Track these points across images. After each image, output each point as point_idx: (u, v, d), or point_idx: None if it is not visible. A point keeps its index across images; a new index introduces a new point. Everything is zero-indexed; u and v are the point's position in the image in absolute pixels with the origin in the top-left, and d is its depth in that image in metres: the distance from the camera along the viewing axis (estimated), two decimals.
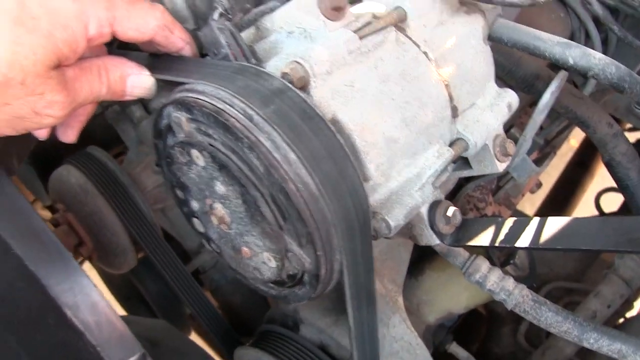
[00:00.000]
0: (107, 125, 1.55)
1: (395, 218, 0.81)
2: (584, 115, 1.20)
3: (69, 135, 0.86)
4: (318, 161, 0.69)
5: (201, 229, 0.90)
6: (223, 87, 0.71)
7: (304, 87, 0.75)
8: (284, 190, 0.68)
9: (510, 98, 1.00)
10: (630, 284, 1.46)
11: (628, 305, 1.57)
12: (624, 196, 1.28)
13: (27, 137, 0.79)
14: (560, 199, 2.47)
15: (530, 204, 2.56)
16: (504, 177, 1.49)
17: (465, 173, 1.03)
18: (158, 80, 0.83)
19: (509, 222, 0.84)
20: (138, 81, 0.81)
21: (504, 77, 1.15)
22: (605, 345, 0.95)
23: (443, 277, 1.25)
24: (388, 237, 0.82)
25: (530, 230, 0.80)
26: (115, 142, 1.60)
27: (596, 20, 1.39)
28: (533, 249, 0.77)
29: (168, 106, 0.77)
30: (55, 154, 1.55)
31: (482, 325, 1.79)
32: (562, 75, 1.07)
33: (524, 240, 0.79)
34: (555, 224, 0.77)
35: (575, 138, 2.58)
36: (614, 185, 2.11)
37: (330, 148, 0.71)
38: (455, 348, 1.35)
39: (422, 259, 1.32)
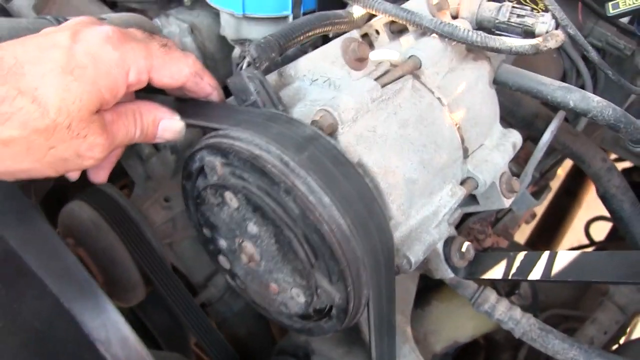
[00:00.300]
0: None
1: (416, 254, 0.86)
2: (580, 151, 1.27)
3: (101, 176, 0.90)
4: (349, 203, 0.74)
5: (227, 265, 0.94)
6: (258, 134, 0.76)
7: (332, 133, 0.80)
8: (318, 231, 0.72)
9: (515, 138, 1.06)
10: (625, 311, 1.52)
11: (622, 331, 1.63)
12: (619, 227, 1.35)
13: None
14: (549, 227, 2.55)
15: (520, 232, 2.63)
16: (502, 209, 1.55)
17: (472, 209, 1.09)
18: (188, 125, 0.87)
19: (520, 257, 0.89)
20: (169, 125, 0.85)
21: (506, 116, 1.22)
22: None
23: (449, 307, 1.29)
24: (408, 272, 0.87)
25: (541, 264, 0.85)
26: (118, 176, 1.63)
27: (585, 60, 1.48)
28: (545, 282, 0.82)
29: (202, 150, 0.82)
30: (59, 189, 1.57)
31: (480, 353, 1.83)
32: (561, 115, 1.15)
33: (536, 274, 0.84)
34: (564, 258, 0.82)
35: (562, 167, 2.67)
36: (601, 213, 2.19)
37: (359, 190, 0.76)
38: None
39: (428, 290, 1.36)
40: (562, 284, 1.80)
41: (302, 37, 0.92)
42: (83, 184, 1.51)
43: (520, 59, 1.31)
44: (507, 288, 1.24)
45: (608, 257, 0.77)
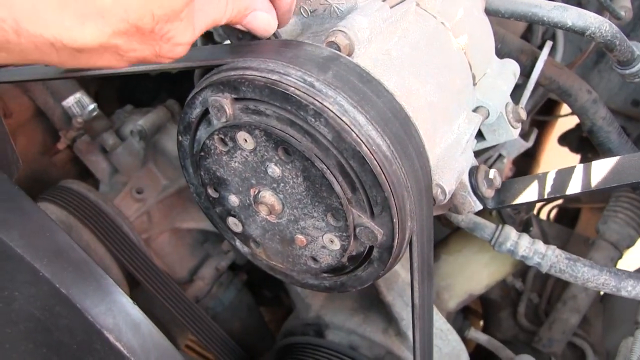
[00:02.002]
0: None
1: (449, 182, 0.79)
2: (566, 84, 1.25)
3: None
4: (386, 122, 0.67)
5: (238, 228, 0.84)
6: (272, 59, 0.67)
7: (350, 54, 0.72)
8: (357, 154, 0.65)
9: (513, 66, 1.02)
10: (618, 247, 1.52)
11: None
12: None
13: None
14: None
15: None
16: (487, 160, 1.52)
17: (479, 145, 1.04)
18: (184, 68, 0.77)
19: (552, 175, 0.85)
20: (259, 16, 0.70)
21: None
22: None
23: (460, 259, 1.24)
24: (442, 203, 0.81)
25: (577, 176, 0.81)
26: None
27: None
28: (587, 192, 0.78)
29: (204, 90, 0.72)
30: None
31: (477, 318, 1.80)
32: (549, 44, 1.12)
33: (575, 187, 0.80)
34: (602, 166, 0.78)
35: None
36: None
37: (394, 110, 0.69)
38: (474, 333, 1.34)
39: (435, 246, 1.31)
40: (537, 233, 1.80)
41: None
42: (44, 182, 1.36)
43: None
44: (517, 230, 1.19)
45: None
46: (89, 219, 1.20)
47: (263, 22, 0.71)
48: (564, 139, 2.30)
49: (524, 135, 1.45)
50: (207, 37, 1.32)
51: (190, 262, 1.44)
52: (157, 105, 1.43)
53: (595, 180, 0.78)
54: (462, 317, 1.32)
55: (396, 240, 0.70)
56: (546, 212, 2.24)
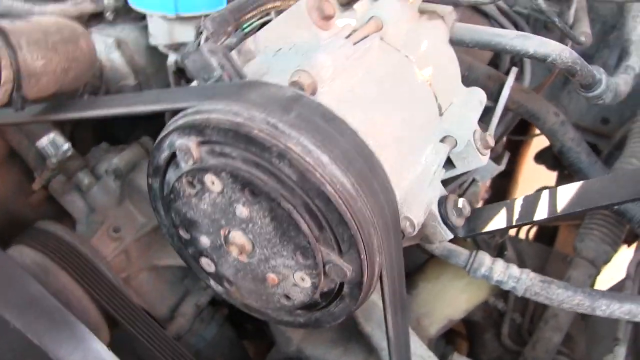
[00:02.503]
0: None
1: (417, 215, 0.80)
2: (534, 108, 1.28)
3: None
4: (350, 160, 0.68)
5: (211, 268, 0.84)
6: (235, 102, 0.68)
7: (313, 93, 0.74)
8: (322, 194, 0.65)
9: (480, 95, 1.04)
10: (595, 264, 1.53)
11: (593, 284, 1.65)
12: (578, 179, 1.37)
13: None
14: None
15: None
16: (462, 185, 1.53)
17: (449, 173, 1.06)
18: (151, 113, 0.78)
19: (520, 201, 0.86)
20: None
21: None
22: (617, 309, 0.98)
23: (437, 285, 1.25)
24: (411, 235, 0.81)
25: (544, 202, 0.82)
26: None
27: (515, 26, 1.51)
28: (554, 218, 0.80)
29: (171, 134, 0.73)
30: None
31: (462, 340, 1.80)
32: (515, 70, 1.15)
33: (541, 212, 0.81)
34: (567, 191, 0.80)
35: None
36: (540, 187, 2.25)
37: (357, 147, 0.70)
38: (458, 358, 1.34)
39: (411, 274, 1.31)
40: (518, 252, 1.81)
41: (255, 11, 0.86)
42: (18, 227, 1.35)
43: None
44: (492, 254, 1.21)
45: (611, 180, 0.76)
46: (66, 261, 1.19)
47: None
48: (540, 157, 2.33)
49: (497, 158, 1.47)
50: (181, 74, 1.34)
51: (171, 299, 1.43)
52: (132, 142, 1.43)
53: (561, 205, 0.80)
54: (444, 343, 1.32)
55: (365, 276, 0.71)
56: (525, 232, 2.26)
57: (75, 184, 1.38)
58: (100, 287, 1.20)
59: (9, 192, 1.48)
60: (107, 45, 1.34)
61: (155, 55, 1.38)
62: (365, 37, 0.86)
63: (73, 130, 1.58)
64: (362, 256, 0.69)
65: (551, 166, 2.33)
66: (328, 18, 0.80)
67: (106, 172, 1.36)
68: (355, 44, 0.82)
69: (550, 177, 2.37)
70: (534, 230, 2.36)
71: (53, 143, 1.34)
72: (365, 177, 0.69)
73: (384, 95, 0.82)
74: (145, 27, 1.33)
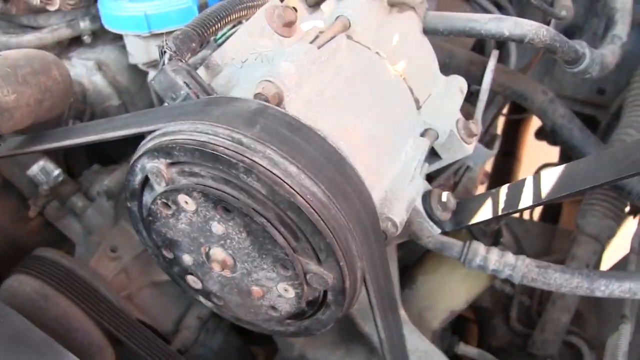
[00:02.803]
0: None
1: (398, 214, 0.79)
2: (521, 88, 1.26)
3: None
4: (319, 169, 0.67)
5: (198, 285, 0.84)
6: (199, 120, 0.68)
7: (279, 103, 0.73)
8: (293, 205, 0.65)
9: (460, 83, 1.03)
10: (599, 239, 1.51)
11: (600, 259, 1.62)
12: (572, 155, 1.35)
13: None
14: None
15: None
16: (458, 171, 1.52)
17: (436, 165, 1.04)
18: (121, 137, 0.78)
19: (504, 189, 0.85)
20: None
21: (441, 69, 1.19)
22: (616, 289, 0.96)
23: (437, 278, 1.24)
24: (395, 235, 0.80)
25: (528, 189, 0.81)
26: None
27: (498, 6, 1.49)
28: (540, 204, 0.78)
29: (140, 159, 0.72)
30: None
31: (472, 326, 1.78)
32: (496, 53, 1.13)
33: (527, 200, 0.80)
34: (551, 175, 0.78)
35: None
36: (542, 164, 2.21)
37: (326, 154, 0.69)
38: (464, 348, 1.33)
39: (409, 268, 1.30)
40: (523, 232, 1.79)
41: (219, 25, 0.85)
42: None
43: None
44: (489, 241, 1.20)
45: (595, 160, 0.74)
46: (65, 286, 1.20)
47: None
48: (540, 133, 2.30)
49: (489, 142, 1.46)
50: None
51: (175, 312, 1.43)
52: (122, 161, 1.43)
53: (546, 191, 0.78)
54: (449, 334, 1.31)
55: (347, 282, 0.70)
56: (529, 211, 2.24)
57: (70, 208, 1.38)
58: (101, 308, 1.21)
59: (8, 220, 1.49)
60: (88, 69, 1.34)
61: (137, 73, 1.38)
62: (332, 38, 0.85)
63: (67, 154, 1.58)
64: (341, 263, 0.68)
65: (552, 142, 2.30)
66: (290, 24, 0.79)
67: (98, 194, 1.36)
68: (321, 46, 0.81)
69: (553, 152, 2.34)
70: (538, 209, 2.34)
71: (43, 170, 1.35)
72: (337, 183, 0.68)
73: (355, 96, 0.81)
74: (124, 47, 1.33)
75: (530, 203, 0.79)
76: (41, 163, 1.35)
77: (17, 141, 0.97)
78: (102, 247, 1.37)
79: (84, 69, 1.36)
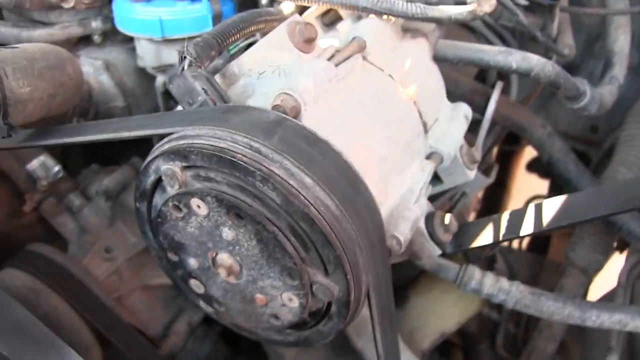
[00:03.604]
0: None
1: (403, 233, 0.81)
2: (520, 121, 1.30)
3: None
4: (333, 182, 0.68)
5: (200, 290, 0.84)
6: (219, 127, 0.69)
7: (296, 116, 0.75)
8: (306, 216, 0.66)
9: (465, 110, 1.06)
10: (586, 272, 1.54)
11: (586, 293, 1.65)
12: (567, 188, 1.38)
13: None
14: None
15: None
16: (453, 197, 1.54)
17: (437, 189, 1.06)
18: (135, 137, 0.79)
19: (506, 216, 0.87)
20: None
21: (447, 96, 1.22)
22: (607, 320, 0.99)
23: (430, 299, 1.25)
24: (398, 253, 0.82)
25: (530, 217, 0.83)
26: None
27: (502, 39, 1.53)
28: (540, 233, 0.80)
29: (156, 160, 0.74)
30: None
31: (457, 351, 1.79)
32: (500, 84, 1.16)
33: (528, 228, 0.82)
34: (553, 205, 0.81)
35: None
36: (532, 195, 2.24)
37: (341, 169, 0.71)
38: None
39: (402, 288, 1.32)
40: (515, 261, 1.81)
41: (238, 35, 0.87)
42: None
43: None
44: (483, 267, 1.21)
45: (596, 193, 0.77)
46: (56, 283, 1.19)
47: None
48: (532, 166, 2.34)
49: (486, 170, 1.48)
50: (169, 95, 1.35)
51: (164, 317, 1.43)
52: (122, 163, 1.44)
53: (547, 220, 0.81)
54: (437, 356, 1.32)
55: (352, 295, 0.72)
56: (517, 241, 2.27)
57: (66, 205, 1.38)
58: (91, 307, 1.20)
59: (0, 214, 1.48)
60: (95, 68, 1.35)
61: (144, 76, 1.39)
62: (348, 58, 0.87)
63: (64, 151, 1.58)
64: (348, 276, 0.69)
65: (543, 175, 2.34)
66: (310, 41, 0.81)
67: (97, 193, 1.36)
68: (337, 65, 0.83)
69: (543, 185, 2.38)
70: (526, 239, 2.37)
71: (43, 165, 1.35)
72: (349, 198, 0.69)
73: (367, 115, 0.83)
74: (134, 49, 1.34)
75: (531, 231, 0.81)
76: (42, 158, 1.35)
77: (25, 134, 0.97)
78: (97, 247, 1.37)
79: (92, 68, 1.37)
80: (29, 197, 1.39)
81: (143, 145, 1.64)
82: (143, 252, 1.39)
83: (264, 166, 0.66)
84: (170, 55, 1.28)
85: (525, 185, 2.73)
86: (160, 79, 1.33)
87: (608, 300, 1.41)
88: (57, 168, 1.35)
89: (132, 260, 1.38)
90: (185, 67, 0.80)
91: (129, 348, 1.20)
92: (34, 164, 1.34)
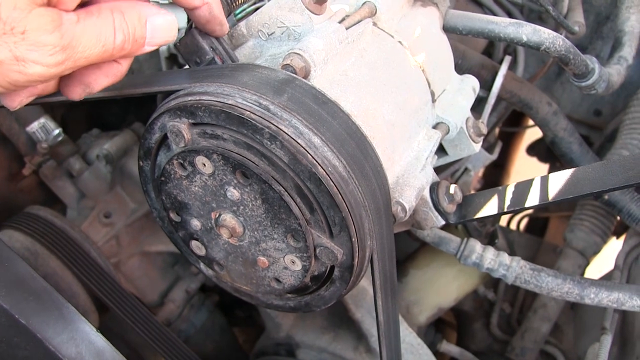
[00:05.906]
0: None
1: (408, 199, 0.80)
2: (527, 97, 1.28)
3: (76, 92, 0.66)
4: (341, 143, 0.67)
5: (201, 251, 0.83)
6: (227, 84, 0.68)
7: (306, 76, 0.73)
8: (313, 176, 0.65)
9: (473, 82, 1.05)
10: (584, 254, 1.55)
11: (583, 274, 1.66)
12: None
13: None
14: None
15: None
16: (454, 174, 1.54)
17: (441, 161, 1.06)
18: (142, 94, 0.77)
19: (511, 187, 0.86)
20: (161, 22, 0.64)
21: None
22: (605, 297, 0.99)
23: (428, 273, 1.25)
24: (402, 221, 0.82)
25: (535, 189, 0.83)
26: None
27: (509, 15, 1.51)
28: (545, 205, 0.80)
29: (162, 116, 0.72)
30: None
31: (450, 330, 1.81)
32: (508, 59, 1.15)
33: (533, 199, 0.81)
34: (559, 178, 0.80)
35: None
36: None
37: (349, 130, 0.70)
38: (446, 346, 1.35)
39: (402, 261, 1.32)
40: (511, 242, 1.82)
41: None
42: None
43: None
44: (483, 242, 1.21)
45: (602, 166, 0.76)
46: (55, 246, 1.19)
47: (165, 28, 0.65)
48: (532, 149, 2.34)
49: (489, 148, 1.48)
50: (173, 60, 1.33)
51: (161, 285, 1.43)
52: (123, 128, 1.43)
53: (553, 192, 0.80)
54: (433, 331, 1.33)
55: (356, 260, 0.71)
56: (516, 222, 2.27)
57: (66, 169, 1.37)
58: (89, 271, 1.20)
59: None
60: None
61: None
62: (359, 22, 0.85)
63: (65, 115, 1.57)
64: (353, 239, 0.69)
65: (543, 158, 2.34)
66: (321, 2, 0.79)
67: (97, 158, 1.35)
68: (348, 28, 0.82)
69: (542, 169, 2.38)
70: (524, 221, 2.37)
71: (44, 128, 1.34)
72: (357, 160, 0.69)
73: (376, 80, 0.82)
74: None
75: (536, 202, 0.80)
76: (42, 120, 1.33)
77: None
78: (96, 212, 1.36)
79: None
80: (28, 160, 1.38)
81: (144, 111, 1.63)
82: (142, 219, 1.39)
83: (273, 124, 0.65)
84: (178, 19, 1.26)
85: (524, 168, 2.73)
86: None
87: None
88: (57, 131, 1.34)
89: (131, 226, 1.38)
90: (193, 26, 0.79)
91: (127, 314, 1.20)
92: (34, 126, 1.33)
